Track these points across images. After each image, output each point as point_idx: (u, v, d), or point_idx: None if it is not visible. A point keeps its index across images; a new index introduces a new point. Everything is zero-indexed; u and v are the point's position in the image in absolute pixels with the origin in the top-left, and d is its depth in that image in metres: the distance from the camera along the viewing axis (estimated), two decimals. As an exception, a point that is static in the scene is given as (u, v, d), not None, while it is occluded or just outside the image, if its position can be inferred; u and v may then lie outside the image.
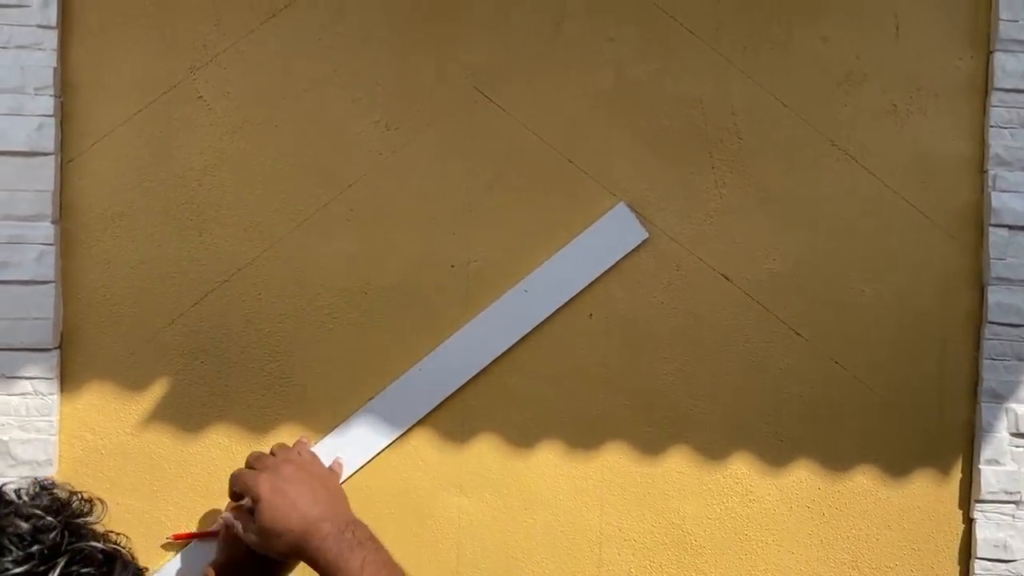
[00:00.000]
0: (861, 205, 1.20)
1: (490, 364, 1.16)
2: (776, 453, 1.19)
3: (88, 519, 0.72)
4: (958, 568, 1.21)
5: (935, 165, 1.20)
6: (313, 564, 0.93)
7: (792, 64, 1.19)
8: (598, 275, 1.17)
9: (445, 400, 1.15)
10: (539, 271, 1.16)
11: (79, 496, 0.73)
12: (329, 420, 1.14)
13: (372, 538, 0.95)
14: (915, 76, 1.20)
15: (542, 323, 1.17)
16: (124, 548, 0.72)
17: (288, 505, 0.95)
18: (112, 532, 0.73)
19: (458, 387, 1.15)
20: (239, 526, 0.99)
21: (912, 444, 1.21)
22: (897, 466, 1.20)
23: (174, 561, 1.12)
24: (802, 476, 1.20)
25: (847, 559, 1.20)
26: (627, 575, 1.18)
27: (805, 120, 1.19)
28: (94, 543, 0.69)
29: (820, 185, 1.19)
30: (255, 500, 0.96)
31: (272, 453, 1.04)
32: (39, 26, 1.09)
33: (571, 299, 1.17)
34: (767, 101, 1.19)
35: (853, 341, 1.20)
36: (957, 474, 1.21)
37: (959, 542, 1.21)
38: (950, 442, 1.21)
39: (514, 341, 1.16)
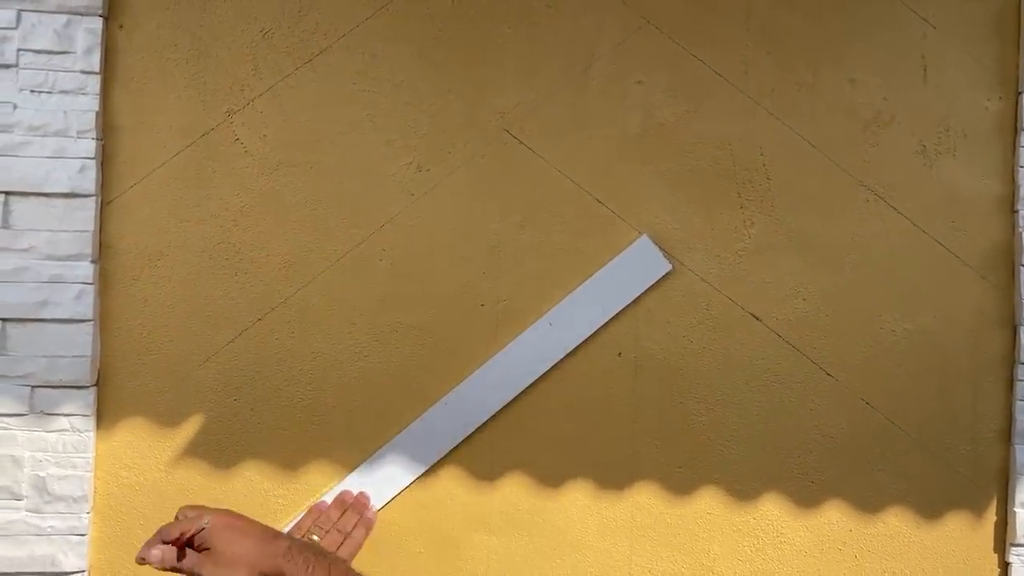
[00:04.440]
0: (891, 245, 1.20)
1: (520, 403, 1.16)
2: (807, 494, 1.19)
3: None
4: (994, 613, 1.19)
5: (965, 205, 1.21)
6: None
7: (820, 106, 1.20)
8: (623, 307, 1.18)
9: (474, 438, 1.16)
10: (564, 304, 1.17)
11: None
12: (360, 456, 1.15)
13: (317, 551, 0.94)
14: (943, 117, 1.21)
15: (572, 362, 1.17)
16: None
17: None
18: None
19: (484, 421, 1.16)
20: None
21: (945, 486, 1.19)
22: (930, 508, 1.19)
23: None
24: (833, 518, 1.19)
25: (880, 602, 1.19)
26: (657, 617, 1.17)
27: (834, 161, 1.20)
28: None
29: (849, 225, 1.20)
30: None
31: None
32: (83, 71, 1.12)
33: (600, 337, 1.18)
34: (795, 142, 1.20)
35: (884, 382, 1.20)
36: (991, 517, 1.20)
37: (995, 586, 1.20)
38: (984, 484, 1.20)
39: (540, 373, 1.17)
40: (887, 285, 1.20)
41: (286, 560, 0.91)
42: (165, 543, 0.92)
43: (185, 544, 0.92)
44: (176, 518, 0.95)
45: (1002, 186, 1.21)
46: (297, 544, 0.93)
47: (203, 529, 0.93)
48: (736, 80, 1.19)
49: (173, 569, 0.93)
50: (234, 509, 0.97)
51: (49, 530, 1.10)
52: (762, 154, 1.19)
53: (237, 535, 0.93)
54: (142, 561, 0.92)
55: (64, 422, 1.11)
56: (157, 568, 0.92)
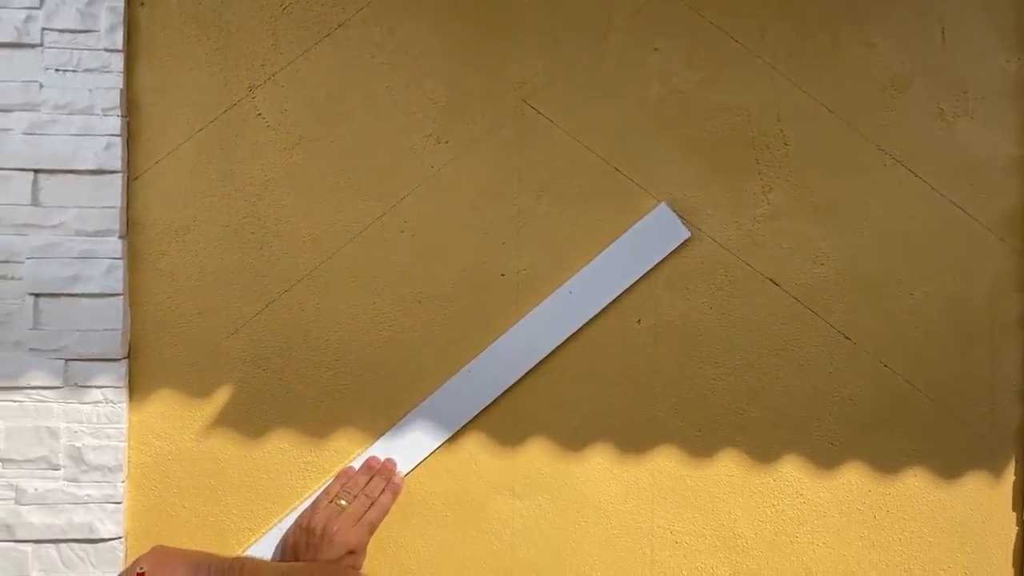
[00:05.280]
0: (909, 209, 1.21)
1: (542, 370, 1.18)
2: (826, 456, 1.20)
3: None
4: (1012, 571, 1.21)
5: (983, 168, 1.21)
6: None
7: (838, 70, 1.20)
8: (642, 275, 1.19)
9: (498, 405, 1.18)
10: (583, 272, 1.19)
11: None
12: (386, 424, 1.18)
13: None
14: (962, 80, 1.21)
15: (592, 329, 1.19)
16: None
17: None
18: None
19: (507, 387, 1.18)
20: None
21: (963, 446, 1.21)
22: (949, 468, 1.21)
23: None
24: (853, 479, 1.20)
25: (899, 562, 1.21)
26: (679, 577, 1.20)
27: (851, 125, 1.20)
28: None
29: (867, 189, 1.20)
30: None
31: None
32: (106, 49, 1.13)
33: (620, 304, 1.19)
34: (813, 107, 1.20)
35: (902, 344, 1.21)
36: (1010, 476, 1.21)
37: (1013, 544, 1.21)
38: (1002, 444, 1.21)
39: (561, 341, 1.18)
40: (905, 249, 1.21)
41: (213, 573, 1.01)
42: None
43: None
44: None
45: (1020, 148, 1.21)
46: (216, 563, 1.02)
47: (143, 572, 1.02)
48: (753, 46, 1.19)
49: None
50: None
51: (86, 498, 1.14)
52: (779, 120, 1.20)
53: (169, 567, 1.03)
54: None
55: (97, 394, 1.14)
56: None
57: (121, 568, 1.13)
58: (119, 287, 1.14)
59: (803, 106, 1.20)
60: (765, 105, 1.20)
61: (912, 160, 1.20)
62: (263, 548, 1.15)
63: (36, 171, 1.13)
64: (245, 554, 1.15)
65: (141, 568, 1.05)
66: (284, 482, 1.17)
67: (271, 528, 1.16)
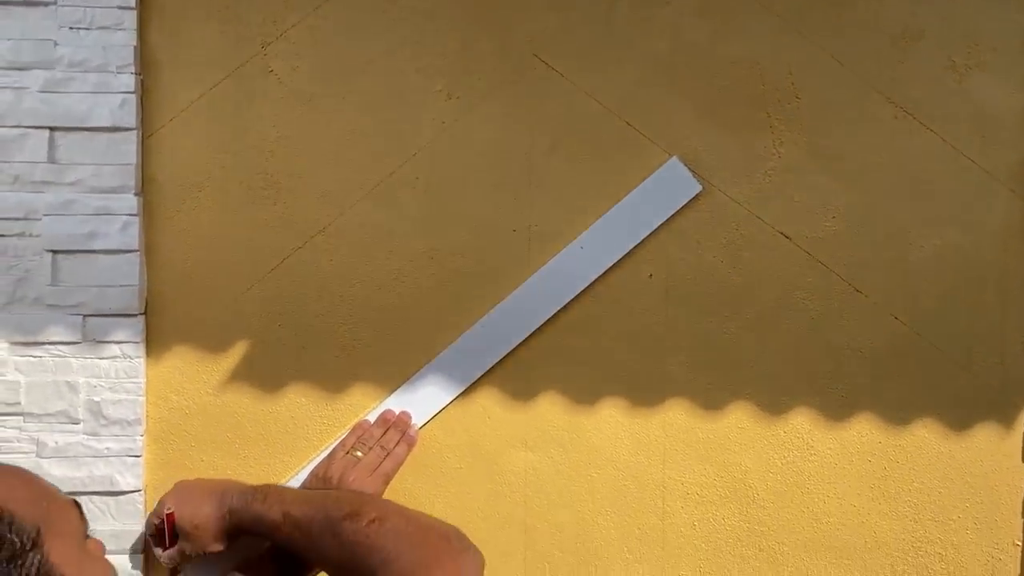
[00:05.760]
0: (920, 161, 1.21)
1: (555, 325, 1.19)
2: (837, 408, 1.21)
3: None
4: (1021, 521, 1.22)
5: (995, 120, 1.21)
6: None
7: (848, 22, 1.20)
8: (654, 229, 1.19)
9: (510, 359, 1.19)
10: (595, 227, 1.19)
11: None
12: (401, 378, 1.19)
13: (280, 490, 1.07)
14: (973, 31, 1.20)
15: (604, 284, 1.20)
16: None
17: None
18: None
19: (520, 342, 1.19)
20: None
21: (973, 398, 1.22)
22: (958, 420, 1.22)
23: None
24: (863, 430, 1.21)
25: (908, 512, 1.22)
26: (690, 527, 1.21)
27: (862, 78, 1.20)
28: None
29: (878, 142, 1.20)
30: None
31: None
32: (119, 7, 1.14)
33: (631, 259, 1.20)
34: (824, 60, 1.20)
35: (913, 297, 1.21)
36: (1019, 427, 1.22)
37: (1022, 495, 1.22)
38: (1012, 396, 1.22)
39: (572, 296, 1.19)
40: (916, 201, 1.21)
41: (237, 501, 1.05)
42: (158, 547, 1.10)
43: (172, 534, 1.08)
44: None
45: (1032, 100, 1.21)
46: (239, 490, 1.07)
47: (171, 513, 1.07)
48: (764, -1, 1.20)
49: (184, 559, 1.10)
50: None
51: (105, 452, 1.15)
52: (791, 73, 1.20)
53: (193, 502, 1.08)
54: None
55: (115, 349, 1.16)
56: (169, 567, 1.11)
57: (142, 519, 1.15)
58: (135, 243, 1.15)
59: (814, 59, 1.20)
60: (776, 58, 1.20)
61: (923, 112, 1.20)
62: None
63: (52, 129, 1.14)
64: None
65: (169, 509, 1.07)
66: (300, 435, 1.19)
67: (288, 480, 1.17)
